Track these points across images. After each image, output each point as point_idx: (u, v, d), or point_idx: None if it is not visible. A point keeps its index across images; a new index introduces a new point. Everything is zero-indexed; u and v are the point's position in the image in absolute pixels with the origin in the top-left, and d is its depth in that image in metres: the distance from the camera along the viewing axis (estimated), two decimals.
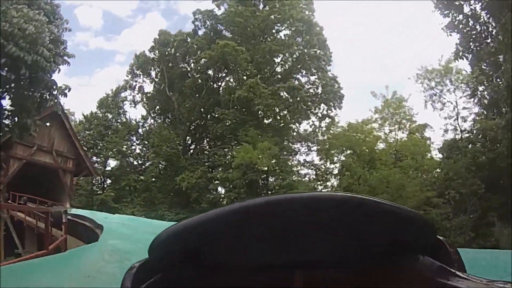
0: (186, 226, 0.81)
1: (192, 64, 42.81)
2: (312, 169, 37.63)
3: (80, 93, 62.28)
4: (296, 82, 35.51)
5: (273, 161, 30.09)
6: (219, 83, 41.95)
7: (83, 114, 40.12)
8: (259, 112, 33.73)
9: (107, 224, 13.69)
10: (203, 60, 37.63)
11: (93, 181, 38.01)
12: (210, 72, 40.25)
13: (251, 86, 31.37)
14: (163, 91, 42.11)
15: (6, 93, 13.43)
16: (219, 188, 35.88)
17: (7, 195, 20.76)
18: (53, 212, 12.80)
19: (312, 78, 38.12)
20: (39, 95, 13.79)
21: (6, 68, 11.25)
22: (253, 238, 0.82)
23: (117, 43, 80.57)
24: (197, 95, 39.08)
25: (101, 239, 10.26)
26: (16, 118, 14.24)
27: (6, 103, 14.01)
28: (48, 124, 24.07)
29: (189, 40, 41.54)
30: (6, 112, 14.67)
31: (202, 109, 39.56)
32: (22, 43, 10.95)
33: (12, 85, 12.21)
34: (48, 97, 13.44)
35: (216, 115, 36.64)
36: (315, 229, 0.81)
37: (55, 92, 13.26)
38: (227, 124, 35.75)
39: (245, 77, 34.60)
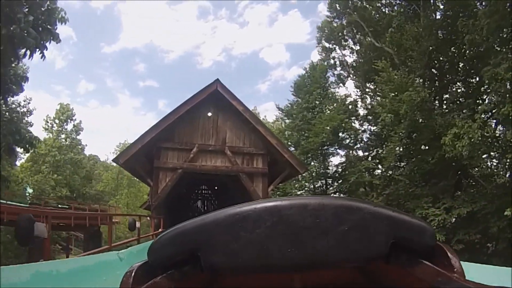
0: (184, 229, 0.82)
1: None
2: None
3: None
4: None
5: None
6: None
7: (277, 106, 31.54)
8: None
9: None
10: None
11: (312, 185, 27.98)
12: None
13: None
14: (371, 46, 29.43)
15: None
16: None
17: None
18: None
19: None
20: None
21: None
22: (250, 242, 0.79)
23: None
24: (416, 28, 24.36)
25: None
26: None
27: None
28: (209, 114, 15.25)
29: None
30: None
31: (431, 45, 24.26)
32: None
33: None
34: None
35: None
36: (314, 233, 0.80)
37: None
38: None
39: None
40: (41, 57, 8.88)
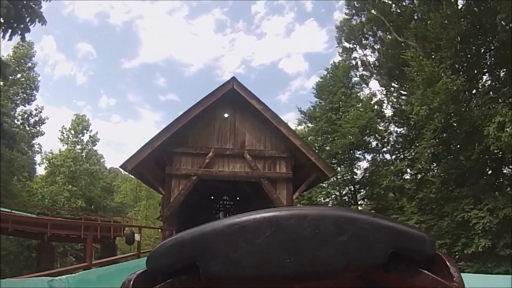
0: (182, 239, 0.82)
1: None
2: None
3: None
4: None
5: None
6: None
7: (299, 109, 29.89)
8: None
9: None
10: None
11: (338, 192, 26.18)
12: None
13: None
14: (394, 42, 27.68)
15: None
16: None
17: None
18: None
19: None
20: None
21: None
22: (249, 252, 0.79)
23: None
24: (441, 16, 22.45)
25: None
26: None
27: None
28: (226, 115, 13.90)
29: None
30: None
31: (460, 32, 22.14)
32: None
33: None
34: None
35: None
36: (313, 243, 0.79)
37: None
38: None
39: None
40: (21, 39, 7.68)
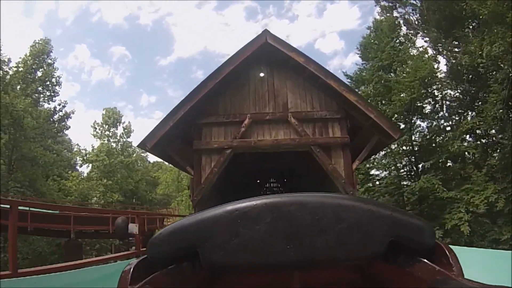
0: (183, 225, 0.81)
1: None
2: None
3: None
4: None
5: None
6: None
7: (344, 73, 26.65)
8: None
9: None
10: None
11: (394, 166, 22.99)
12: None
13: None
14: None
15: None
16: None
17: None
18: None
19: None
20: None
21: None
22: (249, 239, 0.79)
23: None
24: None
25: None
26: None
27: None
28: (262, 74, 11.41)
29: None
30: None
31: None
32: None
33: None
34: None
35: None
36: (313, 231, 0.79)
37: None
38: None
39: None
40: None
